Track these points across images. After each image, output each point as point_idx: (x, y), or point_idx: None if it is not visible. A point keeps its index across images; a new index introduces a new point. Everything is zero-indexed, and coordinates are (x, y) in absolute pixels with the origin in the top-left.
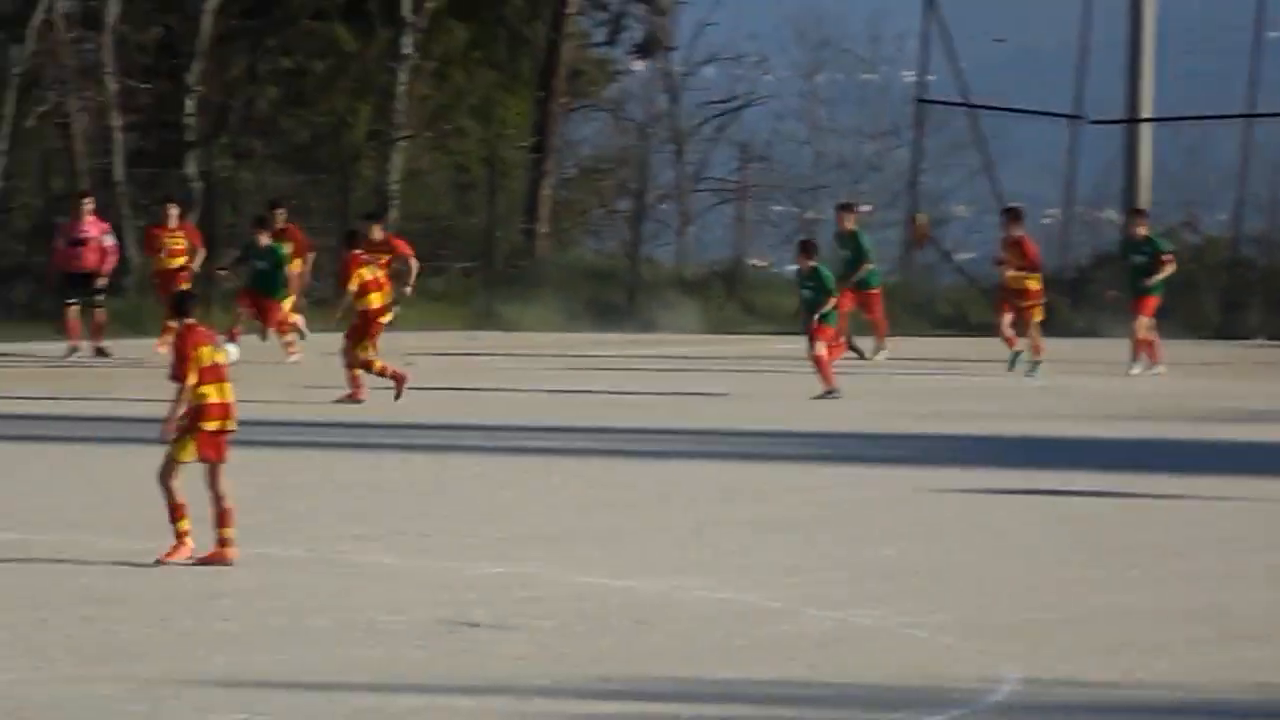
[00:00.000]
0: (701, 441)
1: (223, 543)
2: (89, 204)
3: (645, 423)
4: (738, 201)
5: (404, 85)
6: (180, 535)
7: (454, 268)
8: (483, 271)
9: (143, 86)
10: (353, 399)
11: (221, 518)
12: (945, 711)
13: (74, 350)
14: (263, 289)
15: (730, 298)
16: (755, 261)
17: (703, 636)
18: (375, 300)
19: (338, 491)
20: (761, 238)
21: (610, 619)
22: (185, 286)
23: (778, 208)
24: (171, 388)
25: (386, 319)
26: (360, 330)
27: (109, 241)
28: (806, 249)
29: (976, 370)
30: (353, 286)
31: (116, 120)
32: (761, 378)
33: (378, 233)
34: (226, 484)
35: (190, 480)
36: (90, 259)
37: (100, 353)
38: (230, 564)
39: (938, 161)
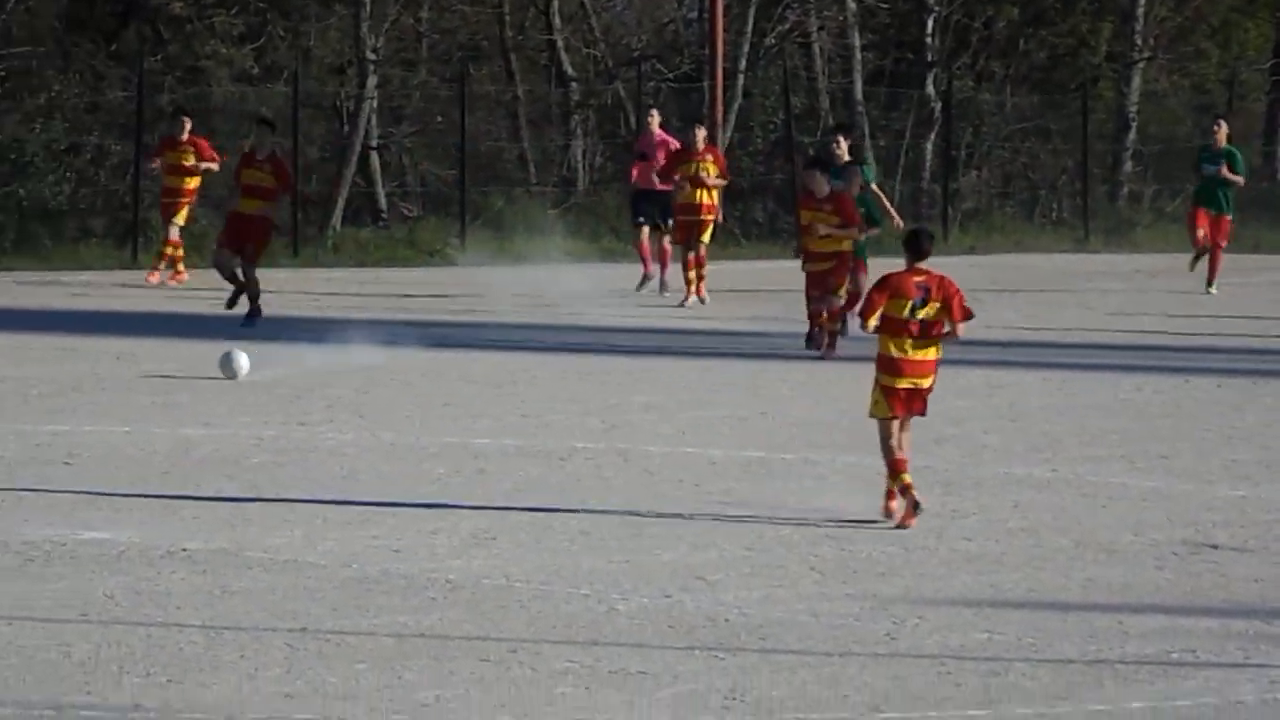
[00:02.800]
0: None
1: (889, 494)
2: (655, 117)
3: None
4: None
5: (1144, 6)
6: (890, 493)
7: (1191, 189)
8: None
9: (882, 6)
10: None
11: (893, 467)
12: None
13: (645, 279)
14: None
15: None
16: None
17: None
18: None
19: (1080, 412)
20: None
21: None
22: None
23: None
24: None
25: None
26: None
27: None
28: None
29: None
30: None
31: (856, 39)
32: None
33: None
34: (907, 438)
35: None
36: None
37: (663, 286)
38: (891, 518)
39: None
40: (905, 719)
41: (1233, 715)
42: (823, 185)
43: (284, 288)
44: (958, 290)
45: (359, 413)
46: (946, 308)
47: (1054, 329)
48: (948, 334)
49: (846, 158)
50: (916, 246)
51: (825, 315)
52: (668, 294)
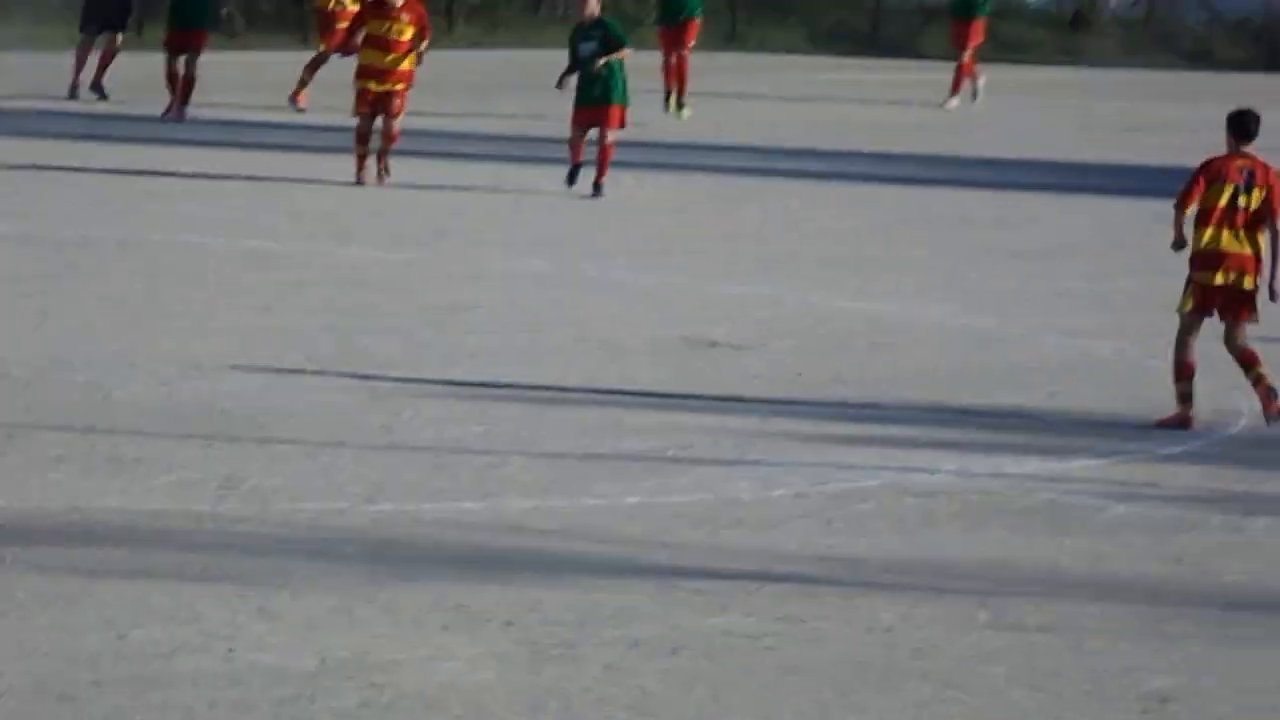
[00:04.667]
0: (941, 168)
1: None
2: None
3: (886, 147)
4: None
5: None
6: (1180, 398)
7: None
8: None
9: None
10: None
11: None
12: (1181, 443)
13: (74, 90)
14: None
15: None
16: None
17: (941, 360)
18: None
19: (580, 208)
20: None
21: (848, 340)
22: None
23: None
24: None
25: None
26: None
27: None
28: None
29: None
30: None
31: None
32: (1000, 106)
33: None
34: (1243, 338)
35: None
36: None
37: (98, 90)
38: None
39: None
40: (399, 510)
41: (728, 511)
42: None
43: None
44: None
45: None
46: (1269, 199)
47: (556, 124)
48: (1264, 229)
49: None
50: (1241, 127)
51: (384, 139)
52: (81, 96)
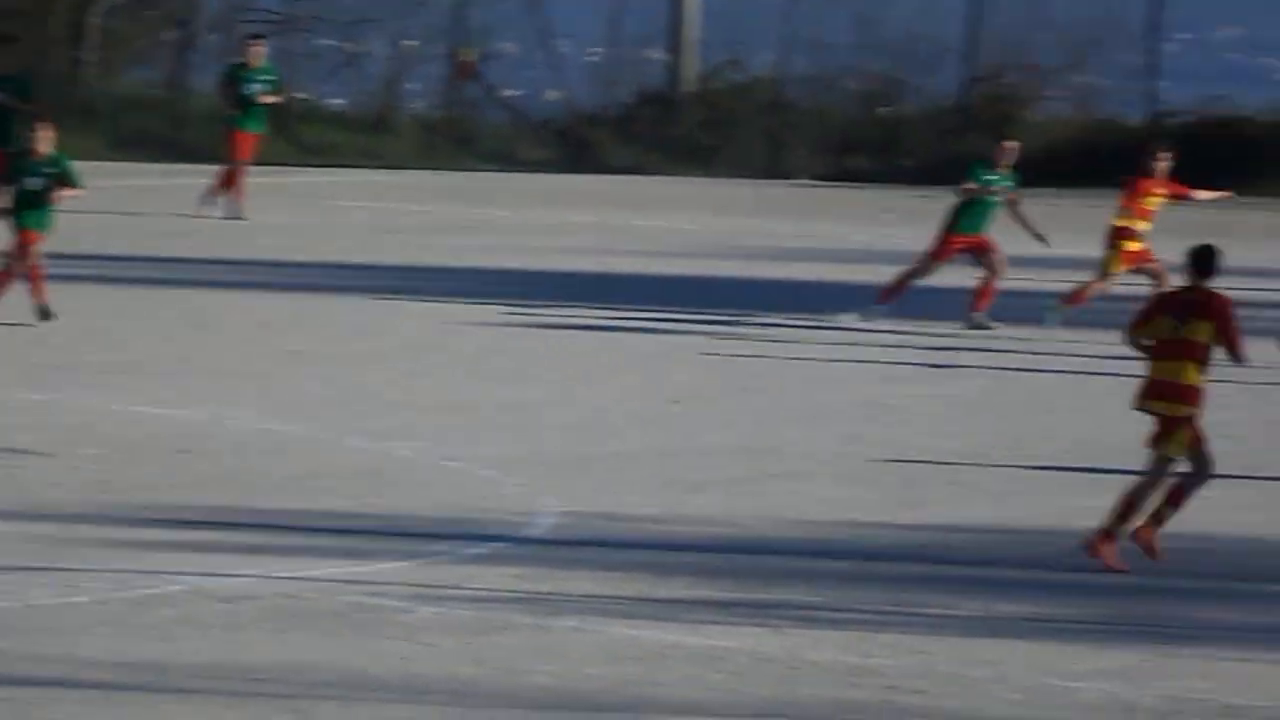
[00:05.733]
0: (239, 272)
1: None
2: None
3: (189, 252)
4: (285, 34)
5: None
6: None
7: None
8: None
9: None
10: None
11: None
12: (486, 544)
13: None
14: None
15: (277, 131)
16: (301, 95)
17: (245, 466)
18: None
19: None
20: (307, 71)
21: (153, 447)
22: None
23: (324, 41)
24: None
25: None
26: None
27: None
28: None
29: (521, 206)
30: None
31: None
32: (309, 210)
33: None
34: None
35: None
36: None
37: None
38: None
39: None
40: None
41: (30, 618)
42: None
43: None
44: None
45: None
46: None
47: None
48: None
49: None
50: (1201, 263)
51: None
52: None
